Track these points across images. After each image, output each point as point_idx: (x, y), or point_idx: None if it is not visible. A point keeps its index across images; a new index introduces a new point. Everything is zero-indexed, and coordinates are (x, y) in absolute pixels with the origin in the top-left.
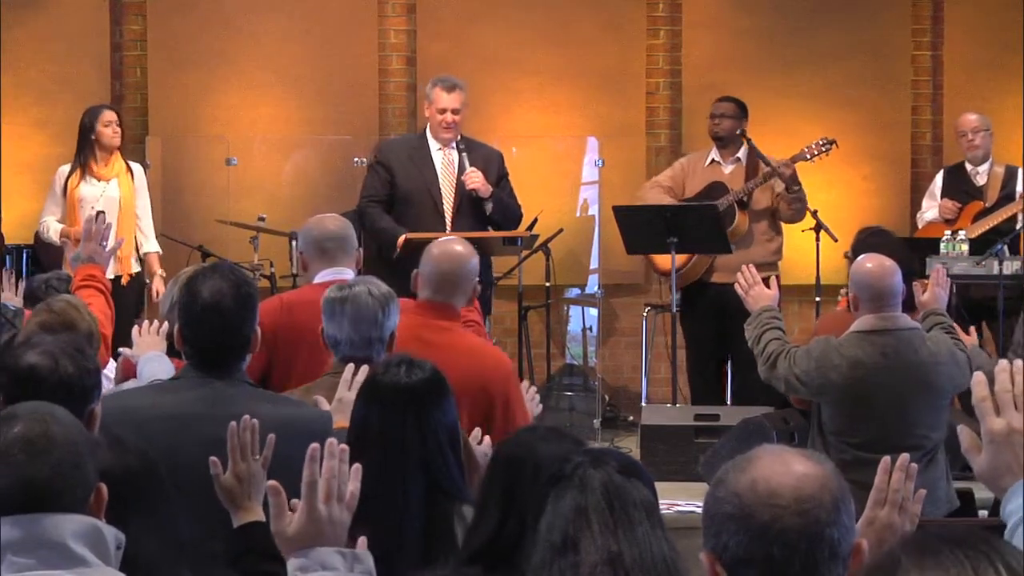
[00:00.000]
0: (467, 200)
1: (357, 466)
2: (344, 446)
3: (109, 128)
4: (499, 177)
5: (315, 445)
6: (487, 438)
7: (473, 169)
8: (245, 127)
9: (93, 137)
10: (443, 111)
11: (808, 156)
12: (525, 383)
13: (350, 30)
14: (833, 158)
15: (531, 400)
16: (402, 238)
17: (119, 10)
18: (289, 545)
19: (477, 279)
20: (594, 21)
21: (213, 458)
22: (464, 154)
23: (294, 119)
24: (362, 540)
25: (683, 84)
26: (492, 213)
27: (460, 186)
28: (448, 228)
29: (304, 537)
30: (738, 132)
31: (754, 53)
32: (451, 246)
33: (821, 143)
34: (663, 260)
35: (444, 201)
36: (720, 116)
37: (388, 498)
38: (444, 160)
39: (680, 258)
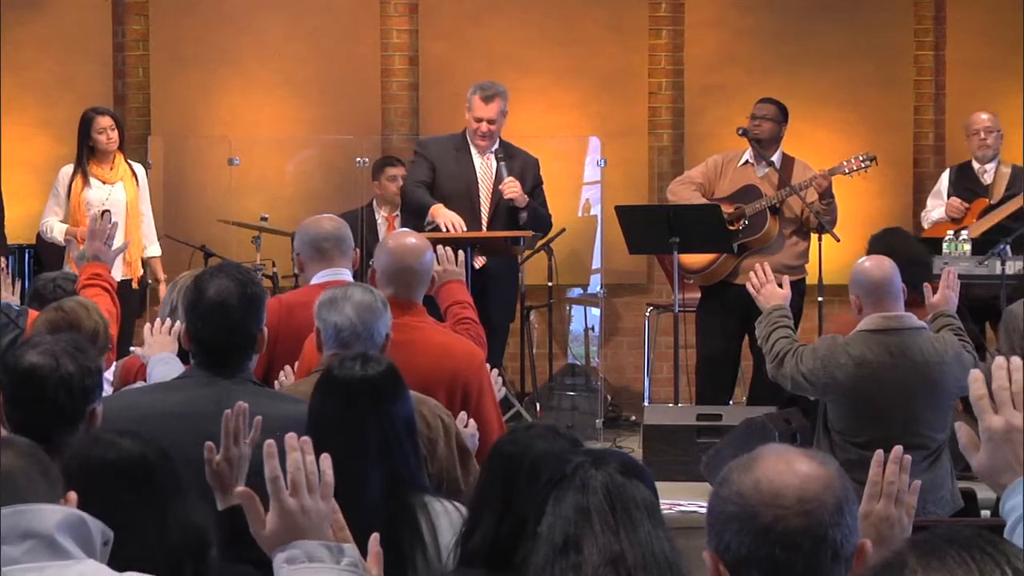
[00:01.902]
0: (503, 207)
1: (326, 455)
2: (306, 438)
3: (103, 135)
4: (534, 184)
5: (271, 441)
6: (472, 421)
7: (511, 179)
8: (247, 127)
9: (90, 143)
10: (479, 120)
11: (847, 170)
12: (486, 366)
13: (353, 30)
14: (835, 158)
15: (494, 383)
16: (433, 208)
17: (121, 10)
18: (269, 544)
19: (434, 272)
20: (596, 21)
21: (209, 443)
22: (503, 163)
23: (296, 119)
24: (374, 538)
25: (685, 84)
26: (525, 223)
27: (497, 194)
28: (484, 230)
29: (280, 533)
30: (779, 135)
31: (756, 53)
32: (406, 239)
33: (862, 159)
34: (691, 259)
35: (482, 206)
36: (761, 118)
37: (348, 490)
38: (484, 165)
39: (706, 258)
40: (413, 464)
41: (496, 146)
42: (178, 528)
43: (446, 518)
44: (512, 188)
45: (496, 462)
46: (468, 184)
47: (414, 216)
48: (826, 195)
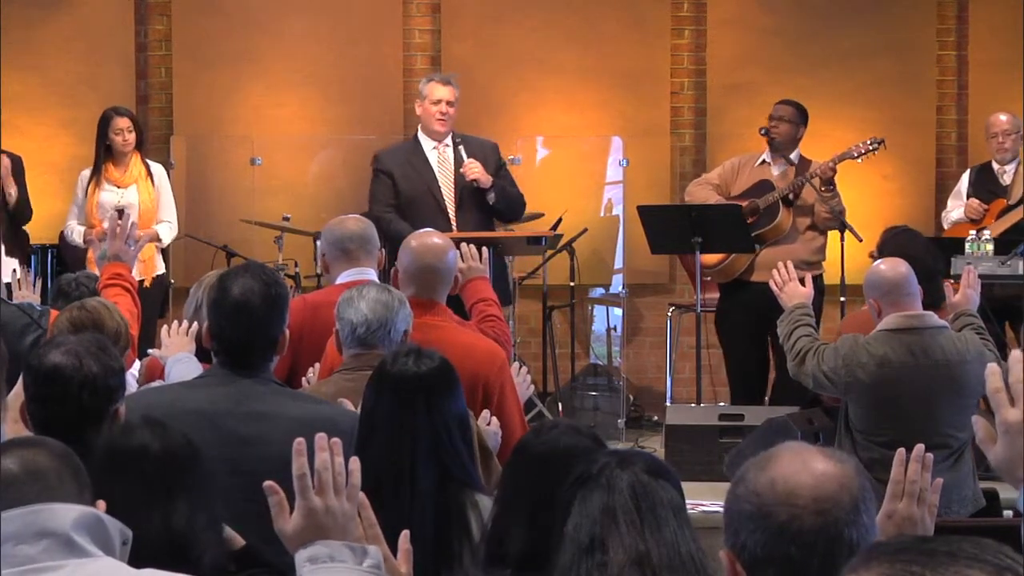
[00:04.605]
0: (468, 193)
1: (355, 458)
2: (336, 439)
3: (120, 136)
4: (497, 167)
5: (300, 439)
6: (494, 419)
7: (471, 160)
8: (270, 127)
9: (107, 143)
10: (438, 102)
11: (855, 155)
12: (516, 364)
13: (375, 30)
14: None
15: (523, 381)
16: None
17: (144, 10)
18: (292, 543)
19: (457, 272)
20: (618, 20)
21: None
22: (460, 146)
23: (319, 119)
24: (404, 535)
25: (708, 83)
26: (495, 203)
27: (459, 180)
28: (453, 224)
29: (304, 532)
30: (797, 137)
31: (779, 52)
32: (429, 239)
33: (869, 142)
34: (707, 255)
35: (445, 198)
36: (778, 119)
37: (398, 487)
38: (439, 158)
39: (716, 255)
40: (466, 461)
41: (451, 133)
42: (205, 515)
43: None
44: (473, 169)
45: (520, 460)
46: (427, 181)
47: (395, 244)
48: (828, 183)
